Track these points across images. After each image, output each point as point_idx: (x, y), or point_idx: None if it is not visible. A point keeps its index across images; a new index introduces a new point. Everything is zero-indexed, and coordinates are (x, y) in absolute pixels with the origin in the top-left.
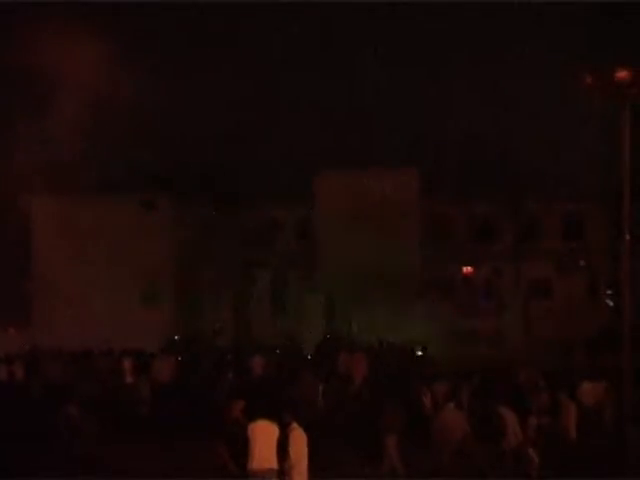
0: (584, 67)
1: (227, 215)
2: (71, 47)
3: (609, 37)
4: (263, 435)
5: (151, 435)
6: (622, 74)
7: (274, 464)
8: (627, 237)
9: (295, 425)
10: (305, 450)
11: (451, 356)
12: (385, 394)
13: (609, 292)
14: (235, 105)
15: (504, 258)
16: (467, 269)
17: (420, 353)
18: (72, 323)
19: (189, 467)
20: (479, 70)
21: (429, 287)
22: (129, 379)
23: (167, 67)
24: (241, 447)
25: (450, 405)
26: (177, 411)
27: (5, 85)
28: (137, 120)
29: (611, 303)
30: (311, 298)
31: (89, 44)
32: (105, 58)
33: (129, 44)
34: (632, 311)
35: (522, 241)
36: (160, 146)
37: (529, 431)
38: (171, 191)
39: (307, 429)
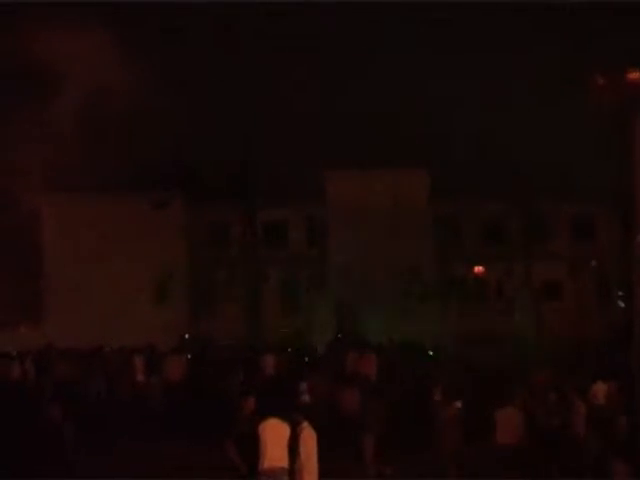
0: (596, 68)
1: (238, 214)
2: (80, 44)
3: (620, 37)
4: (274, 434)
5: (161, 433)
6: (634, 75)
7: (285, 463)
8: (638, 238)
9: (306, 424)
10: (315, 449)
11: (461, 356)
12: (383, 394)
13: (620, 293)
14: (247, 105)
15: (515, 259)
16: (478, 269)
17: (431, 353)
18: (83, 321)
19: (198, 466)
20: (489, 70)
21: (440, 287)
22: (140, 377)
23: (178, 66)
24: (252, 446)
25: (457, 404)
26: (188, 409)
27: (14, 82)
28: (149, 119)
29: (622, 304)
30: (322, 297)
31: (99, 41)
32: (116, 56)
33: (140, 42)
34: None
35: (533, 242)
36: (172, 146)
37: None
38: (183, 190)
39: (317, 428)
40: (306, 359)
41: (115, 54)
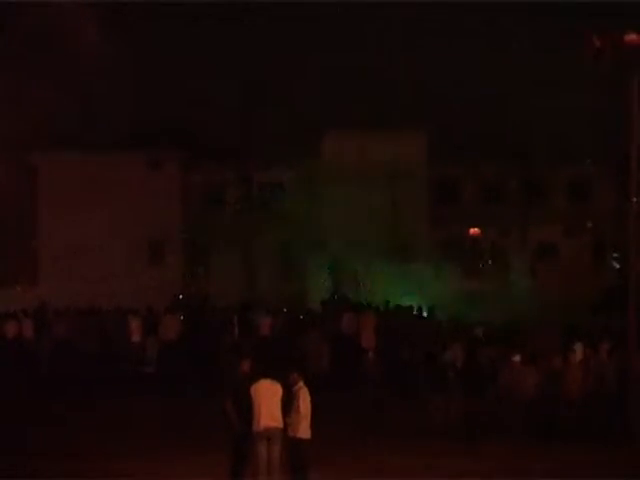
0: (593, 31)
1: (234, 175)
2: (78, 5)
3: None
4: (268, 394)
5: (157, 393)
6: (631, 38)
7: (280, 423)
8: (633, 199)
9: (301, 384)
10: (310, 408)
11: (457, 317)
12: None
13: (615, 255)
14: (243, 65)
15: (511, 220)
16: (474, 231)
17: (425, 314)
18: (78, 281)
19: (194, 426)
20: (487, 33)
21: (436, 248)
22: (135, 337)
23: (174, 28)
24: (247, 406)
25: (516, 357)
26: (183, 369)
27: (11, 45)
28: (146, 78)
29: (617, 266)
30: (318, 258)
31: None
32: (109, 17)
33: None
34: (638, 273)
35: (529, 203)
36: (168, 106)
37: None
38: (179, 150)
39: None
40: (302, 320)
41: (110, 14)
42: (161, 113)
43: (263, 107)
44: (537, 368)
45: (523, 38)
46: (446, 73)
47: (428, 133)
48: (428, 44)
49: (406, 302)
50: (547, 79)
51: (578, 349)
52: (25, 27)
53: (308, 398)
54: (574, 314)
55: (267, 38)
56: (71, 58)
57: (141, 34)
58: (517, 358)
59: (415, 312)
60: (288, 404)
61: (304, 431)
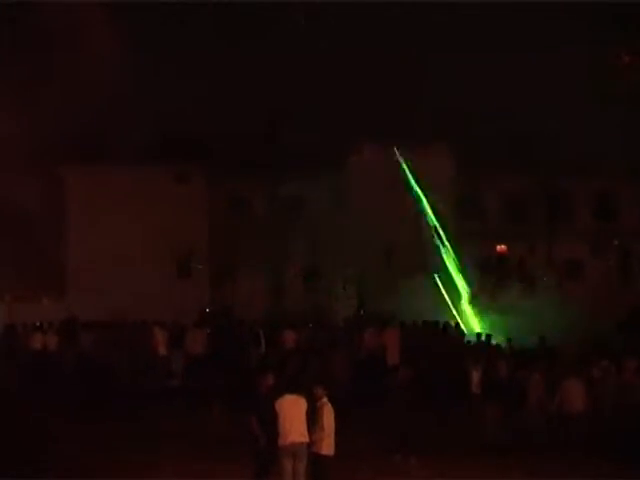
0: (620, 46)
1: (261, 188)
2: (101, 12)
3: None
4: (293, 409)
5: (183, 407)
6: None
7: (305, 438)
8: None
9: (326, 399)
10: (333, 424)
11: (484, 333)
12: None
13: None
14: (271, 79)
15: (537, 237)
16: (500, 247)
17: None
18: (104, 294)
19: (218, 440)
20: (512, 45)
21: (462, 264)
22: (162, 351)
23: (203, 38)
24: (272, 420)
25: (536, 376)
26: (209, 384)
27: (37, 53)
28: (171, 91)
29: None
30: (344, 273)
31: (121, 11)
32: (138, 25)
33: (160, 15)
34: None
35: (555, 220)
36: (194, 119)
37: None
38: (205, 164)
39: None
40: (327, 335)
41: (139, 23)
42: (187, 126)
43: (289, 120)
44: (564, 385)
45: (550, 52)
46: (474, 89)
47: (453, 148)
48: (456, 58)
49: (433, 318)
50: (575, 94)
51: (604, 366)
52: (50, 36)
53: (332, 414)
54: (600, 332)
55: (293, 50)
56: (96, 68)
57: (168, 48)
58: (537, 377)
59: (442, 328)
60: (312, 420)
61: (327, 448)
